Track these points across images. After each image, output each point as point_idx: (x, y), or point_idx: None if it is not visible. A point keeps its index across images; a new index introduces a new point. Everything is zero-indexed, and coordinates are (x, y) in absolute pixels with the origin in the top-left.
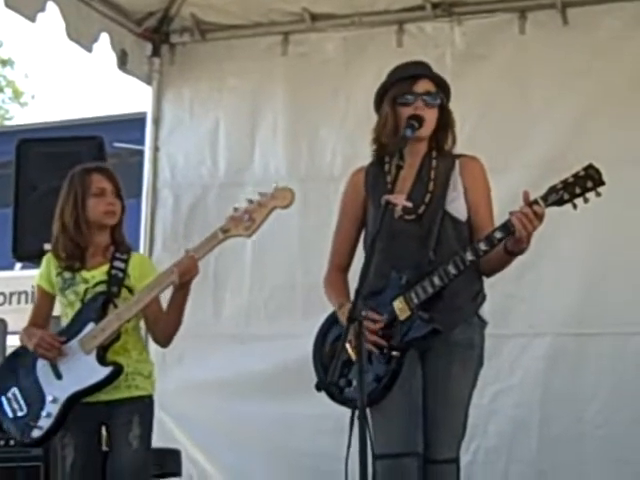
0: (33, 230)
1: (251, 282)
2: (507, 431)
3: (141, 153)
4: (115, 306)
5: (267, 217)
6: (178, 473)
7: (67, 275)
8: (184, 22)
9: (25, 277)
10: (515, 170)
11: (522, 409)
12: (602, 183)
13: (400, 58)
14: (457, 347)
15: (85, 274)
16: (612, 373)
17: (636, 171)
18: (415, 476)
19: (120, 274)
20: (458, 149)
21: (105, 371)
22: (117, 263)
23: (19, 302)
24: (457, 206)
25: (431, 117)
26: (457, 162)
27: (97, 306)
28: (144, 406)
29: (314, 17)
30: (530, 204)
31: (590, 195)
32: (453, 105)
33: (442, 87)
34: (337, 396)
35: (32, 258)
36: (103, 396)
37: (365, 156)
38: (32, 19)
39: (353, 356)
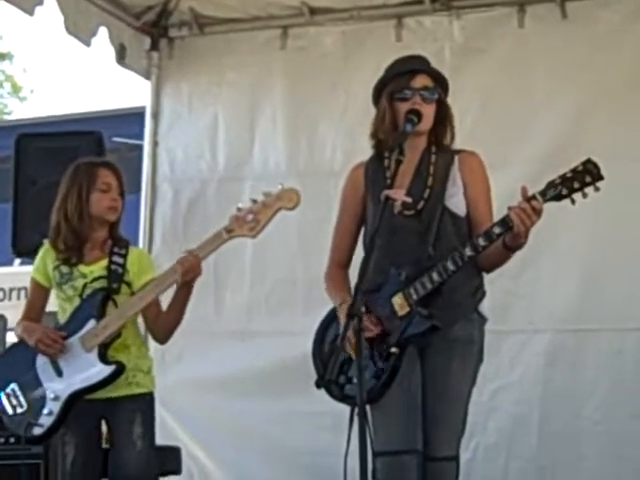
0: (32, 225)
1: (252, 278)
2: (507, 428)
3: (140, 148)
4: (114, 302)
5: (272, 218)
6: (178, 471)
7: (64, 269)
8: (183, 16)
9: (24, 273)
10: (514, 165)
11: (522, 406)
12: (601, 178)
13: (399, 52)
14: (456, 343)
15: (83, 268)
16: (611, 369)
17: (635, 166)
18: (415, 473)
19: (119, 269)
20: (457, 144)
21: (108, 370)
22: (116, 258)
23: (19, 298)
24: (456, 201)
25: (429, 112)
26: (456, 157)
27: (97, 302)
28: (145, 404)
29: (313, 11)
30: (528, 199)
31: (589, 190)
32: (452, 99)
33: (440, 82)
34: (336, 393)
35: (31, 253)
36: (103, 393)
37: (365, 150)
38: (30, 13)
39: (352, 353)
